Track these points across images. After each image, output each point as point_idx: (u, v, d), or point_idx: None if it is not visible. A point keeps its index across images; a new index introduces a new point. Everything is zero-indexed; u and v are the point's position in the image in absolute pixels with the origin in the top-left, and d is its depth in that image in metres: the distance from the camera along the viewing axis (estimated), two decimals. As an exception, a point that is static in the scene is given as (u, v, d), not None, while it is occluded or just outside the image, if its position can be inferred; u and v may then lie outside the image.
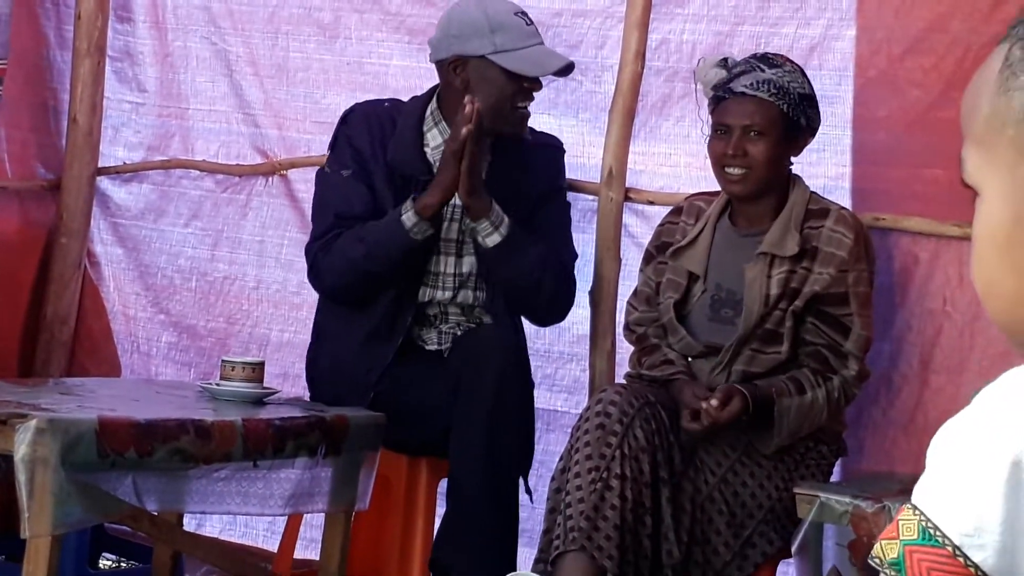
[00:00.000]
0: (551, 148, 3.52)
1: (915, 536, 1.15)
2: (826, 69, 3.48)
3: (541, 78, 3.39)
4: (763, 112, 3.21)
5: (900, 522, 1.15)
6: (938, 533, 1.14)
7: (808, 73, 3.32)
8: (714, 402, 3.09)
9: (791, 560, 3.24)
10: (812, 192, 3.31)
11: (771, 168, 3.24)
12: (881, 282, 3.34)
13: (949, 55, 3.35)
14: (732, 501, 3.14)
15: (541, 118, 3.68)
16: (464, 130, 3.20)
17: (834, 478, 3.32)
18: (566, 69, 3.39)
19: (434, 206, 3.28)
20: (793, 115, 3.23)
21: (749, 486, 3.16)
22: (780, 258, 3.21)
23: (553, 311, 3.48)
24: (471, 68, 3.33)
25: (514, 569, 3.16)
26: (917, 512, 1.15)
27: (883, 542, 1.15)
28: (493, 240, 3.31)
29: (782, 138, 3.23)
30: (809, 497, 3.06)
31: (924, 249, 3.39)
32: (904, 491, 3.07)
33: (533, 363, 3.53)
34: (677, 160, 3.70)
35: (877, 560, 1.16)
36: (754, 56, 3.31)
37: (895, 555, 1.15)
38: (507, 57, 3.32)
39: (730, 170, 3.24)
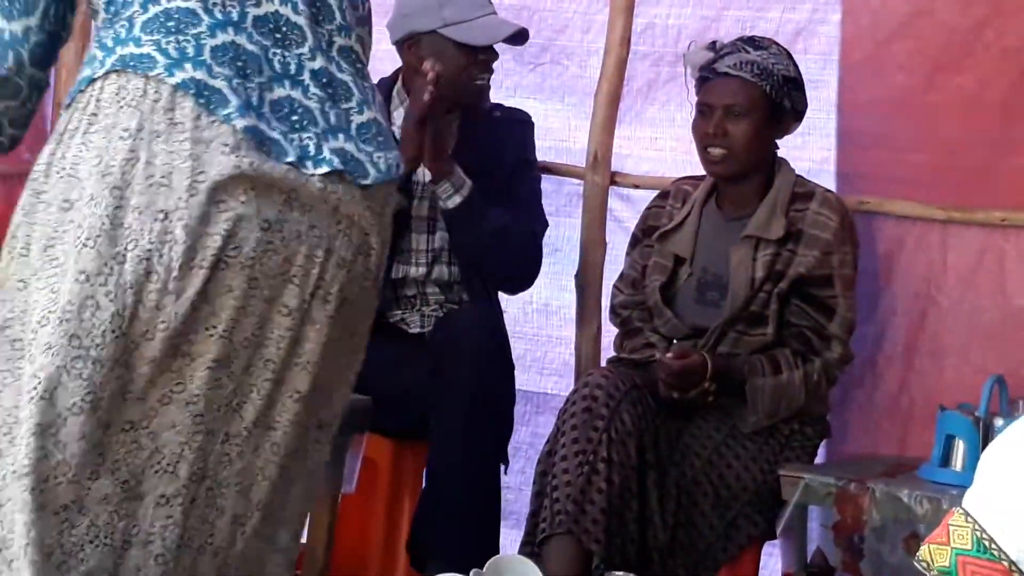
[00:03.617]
0: (519, 122, 3.52)
1: (969, 546, 1.11)
2: (811, 53, 3.49)
3: (497, 49, 3.40)
4: (745, 92, 3.22)
5: (951, 528, 1.12)
6: (993, 546, 1.10)
7: (794, 57, 3.33)
8: (669, 354, 3.11)
9: (776, 542, 3.25)
10: (798, 175, 3.31)
11: (752, 149, 3.24)
12: (866, 266, 3.35)
13: (934, 39, 3.36)
14: (717, 483, 3.15)
15: (527, 102, 3.68)
16: (426, 94, 3.22)
17: (818, 460, 3.33)
18: (518, 36, 3.39)
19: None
20: (776, 97, 3.23)
21: (734, 468, 3.16)
22: (765, 241, 3.22)
23: (516, 279, 3.48)
24: (424, 44, 3.35)
25: (496, 552, 3.17)
26: (971, 520, 1.11)
27: (932, 546, 1.12)
28: (453, 202, 3.32)
29: (765, 119, 3.24)
30: (793, 479, 3.07)
31: (909, 233, 3.40)
32: (887, 474, 3.09)
33: (522, 346, 3.53)
34: (663, 144, 3.71)
35: (924, 564, 1.14)
36: (741, 39, 3.32)
37: (946, 563, 1.12)
38: (456, 29, 3.34)
39: (711, 150, 3.25)
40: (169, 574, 2.04)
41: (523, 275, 3.48)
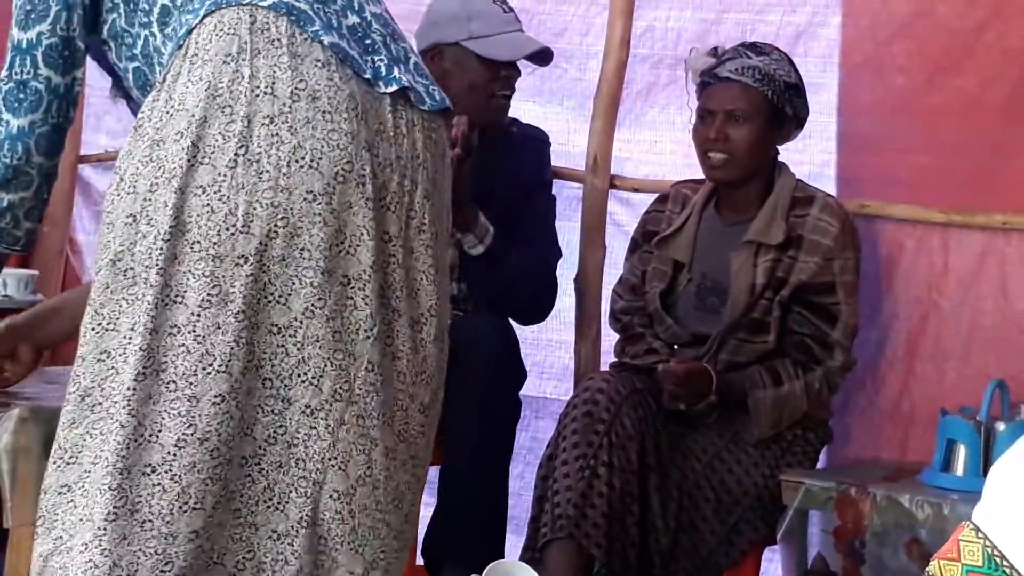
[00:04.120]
0: (536, 141, 3.51)
1: (979, 563, 1.10)
2: (812, 56, 3.48)
3: (521, 67, 3.38)
4: (747, 97, 3.21)
5: (961, 543, 1.10)
6: (1005, 563, 1.09)
7: (794, 60, 3.32)
8: (672, 362, 3.11)
9: (776, 547, 3.24)
10: (798, 180, 3.30)
11: (753, 154, 3.23)
12: (867, 269, 3.34)
13: (935, 41, 3.35)
14: (719, 488, 3.14)
15: (526, 105, 3.67)
16: (452, 153, 3.20)
17: (820, 464, 3.32)
18: (542, 55, 3.38)
19: None
20: (778, 102, 3.22)
21: (735, 473, 3.15)
22: (766, 247, 3.21)
23: (534, 313, 3.49)
24: (447, 55, 3.34)
25: (503, 557, 3.16)
26: (981, 535, 1.10)
27: (941, 562, 1.10)
28: (477, 251, 3.32)
29: (766, 124, 3.23)
30: (794, 484, 3.06)
31: (910, 236, 3.39)
32: (888, 478, 3.08)
33: (521, 350, 3.51)
34: (662, 148, 3.70)
35: None
36: (743, 44, 3.31)
37: None
38: (481, 43, 3.33)
39: (712, 155, 3.24)
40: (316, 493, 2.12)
41: (540, 310, 3.48)
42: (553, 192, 3.56)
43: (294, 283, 2.09)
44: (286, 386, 2.10)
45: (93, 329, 2.14)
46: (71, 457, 2.12)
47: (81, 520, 2.08)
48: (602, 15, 3.67)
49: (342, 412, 2.13)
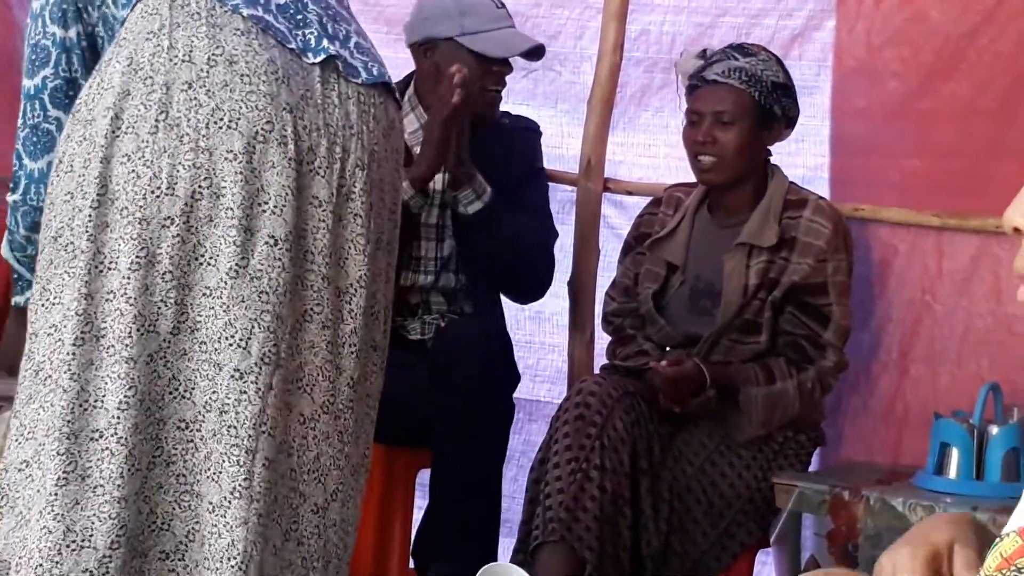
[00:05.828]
0: (528, 131, 3.52)
1: None
2: (806, 59, 3.49)
3: (512, 63, 3.39)
4: (733, 99, 3.21)
5: None
6: None
7: (788, 63, 3.32)
8: (664, 362, 3.10)
9: (769, 550, 3.24)
10: (791, 182, 3.30)
11: (742, 156, 3.23)
12: (860, 272, 3.35)
13: (928, 45, 3.36)
14: (710, 491, 3.14)
15: (520, 108, 3.67)
16: (456, 96, 3.20)
17: (812, 467, 3.32)
18: (535, 52, 3.39)
19: (426, 177, 3.28)
20: (765, 103, 3.22)
21: (728, 476, 3.16)
22: (758, 248, 3.21)
23: (532, 287, 3.47)
24: (440, 50, 3.34)
25: (496, 559, 3.16)
26: None
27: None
28: (475, 207, 3.31)
29: (754, 126, 3.23)
30: (787, 487, 3.06)
31: (902, 239, 3.39)
32: (881, 481, 3.08)
33: (514, 353, 3.52)
34: (656, 151, 3.70)
35: None
36: (730, 46, 3.31)
37: None
38: (474, 39, 3.34)
39: (702, 158, 3.24)
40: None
41: (536, 283, 3.47)
42: (547, 181, 3.55)
43: (221, 243, 2.15)
44: (216, 350, 2.15)
45: (43, 305, 2.20)
46: (29, 433, 2.17)
47: (38, 491, 2.13)
48: (596, 19, 3.67)
49: (270, 376, 2.16)
